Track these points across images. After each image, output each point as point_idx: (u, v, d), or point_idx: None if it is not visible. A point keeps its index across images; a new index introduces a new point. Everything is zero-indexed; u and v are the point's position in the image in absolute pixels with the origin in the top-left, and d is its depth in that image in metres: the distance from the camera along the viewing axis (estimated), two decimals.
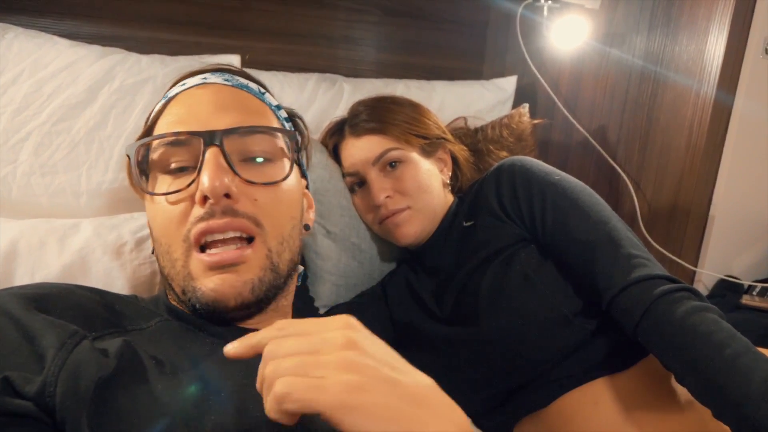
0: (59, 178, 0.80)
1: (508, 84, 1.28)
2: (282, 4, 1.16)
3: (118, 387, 0.39)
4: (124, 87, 0.84)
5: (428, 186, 0.86)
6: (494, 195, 0.81)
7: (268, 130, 0.54)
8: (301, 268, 0.65)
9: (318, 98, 1.04)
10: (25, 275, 0.67)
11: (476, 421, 0.77)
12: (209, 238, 0.49)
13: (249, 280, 0.49)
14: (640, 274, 0.65)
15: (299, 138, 0.66)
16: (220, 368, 0.45)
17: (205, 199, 0.49)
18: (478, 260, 0.78)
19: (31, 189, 0.78)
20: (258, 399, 0.44)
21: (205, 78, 0.58)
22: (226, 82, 0.58)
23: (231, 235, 0.50)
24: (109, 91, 0.83)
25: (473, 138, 1.05)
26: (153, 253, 0.58)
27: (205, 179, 0.48)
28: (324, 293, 0.90)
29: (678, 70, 1.06)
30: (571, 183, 0.77)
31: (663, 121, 1.09)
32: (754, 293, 1.08)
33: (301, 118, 0.69)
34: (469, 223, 0.84)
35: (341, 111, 1.03)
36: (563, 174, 0.79)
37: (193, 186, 0.50)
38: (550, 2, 1.19)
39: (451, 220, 0.87)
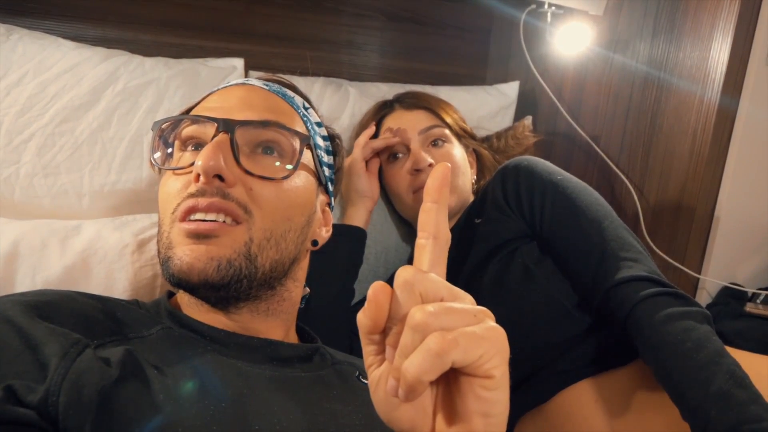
0: (62, 179, 0.80)
1: (511, 89, 1.28)
2: (285, 8, 1.16)
3: (120, 396, 0.38)
4: (128, 89, 0.84)
5: (465, 170, 0.91)
6: (500, 190, 0.83)
7: (282, 127, 0.55)
8: (307, 290, 0.65)
9: (325, 101, 1.04)
10: (26, 276, 0.66)
11: None
12: (194, 217, 0.49)
13: (217, 258, 0.48)
14: (623, 276, 0.66)
15: (332, 157, 0.66)
16: (222, 377, 0.45)
17: (198, 177, 0.50)
18: (482, 254, 0.80)
19: (34, 190, 0.78)
20: (258, 409, 0.44)
21: (247, 80, 0.61)
22: (264, 86, 0.60)
23: (213, 217, 0.49)
24: (112, 92, 0.83)
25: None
26: None
27: (199, 158, 0.49)
28: None
29: (682, 76, 1.06)
30: (572, 182, 0.78)
31: (666, 127, 1.09)
32: (758, 301, 1.07)
33: (340, 140, 0.70)
34: (479, 221, 0.85)
35: (348, 114, 1.04)
36: (566, 174, 0.80)
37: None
38: (553, 8, 1.19)
39: (465, 218, 0.89)
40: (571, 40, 1.22)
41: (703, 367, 0.56)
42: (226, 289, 0.49)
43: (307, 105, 0.63)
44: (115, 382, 0.38)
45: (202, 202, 0.49)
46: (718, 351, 0.57)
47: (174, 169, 0.53)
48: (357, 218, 0.88)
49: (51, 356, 0.38)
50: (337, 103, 1.05)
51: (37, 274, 0.67)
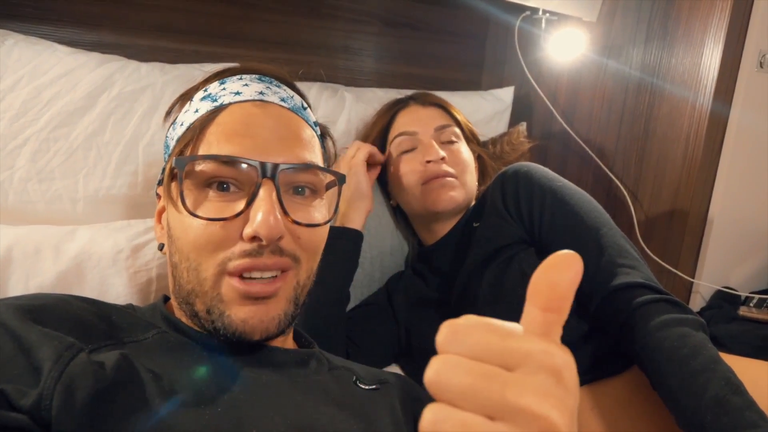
0: (56, 184, 0.79)
1: (506, 94, 1.29)
2: (281, 14, 1.17)
3: (114, 401, 0.38)
4: (123, 94, 0.84)
5: (473, 170, 0.93)
6: (499, 195, 0.84)
7: (322, 170, 0.55)
8: None
9: (321, 106, 1.05)
10: (19, 282, 0.66)
11: None
12: (249, 275, 0.49)
13: (276, 316, 0.50)
14: (620, 283, 0.67)
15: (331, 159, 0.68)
16: (218, 382, 0.45)
17: (254, 238, 0.48)
18: (479, 258, 0.80)
19: (28, 195, 0.78)
20: (254, 414, 0.44)
21: (262, 94, 0.56)
22: (283, 103, 0.56)
23: (268, 274, 0.50)
24: (108, 98, 0.83)
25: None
26: (161, 250, 0.58)
27: (259, 219, 0.47)
28: None
29: (674, 81, 1.07)
30: (571, 190, 0.79)
31: (660, 132, 1.10)
32: (752, 304, 1.08)
33: (331, 136, 0.71)
34: (477, 224, 0.86)
35: (345, 119, 1.05)
36: (565, 181, 0.80)
37: (240, 218, 0.49)
38: (547, 15, 1.20)
39: (464, 221, 0.89)
40: (566, 46, 1.24)
41: (699, 374, 0.57)
42: (277, 335, 0.52)
43: (305, 105, 0.62)
44: (109, 387, 0.38)
45: (260, 263, 0.48)
46: (713, 358, 0.58)
47: (219, 220, 0.48)
48: (355, 220, 0.88)
49: (44, 360, 0.38)
50: (333, 109, 1.05)
51: (31, 279, 0.66)
